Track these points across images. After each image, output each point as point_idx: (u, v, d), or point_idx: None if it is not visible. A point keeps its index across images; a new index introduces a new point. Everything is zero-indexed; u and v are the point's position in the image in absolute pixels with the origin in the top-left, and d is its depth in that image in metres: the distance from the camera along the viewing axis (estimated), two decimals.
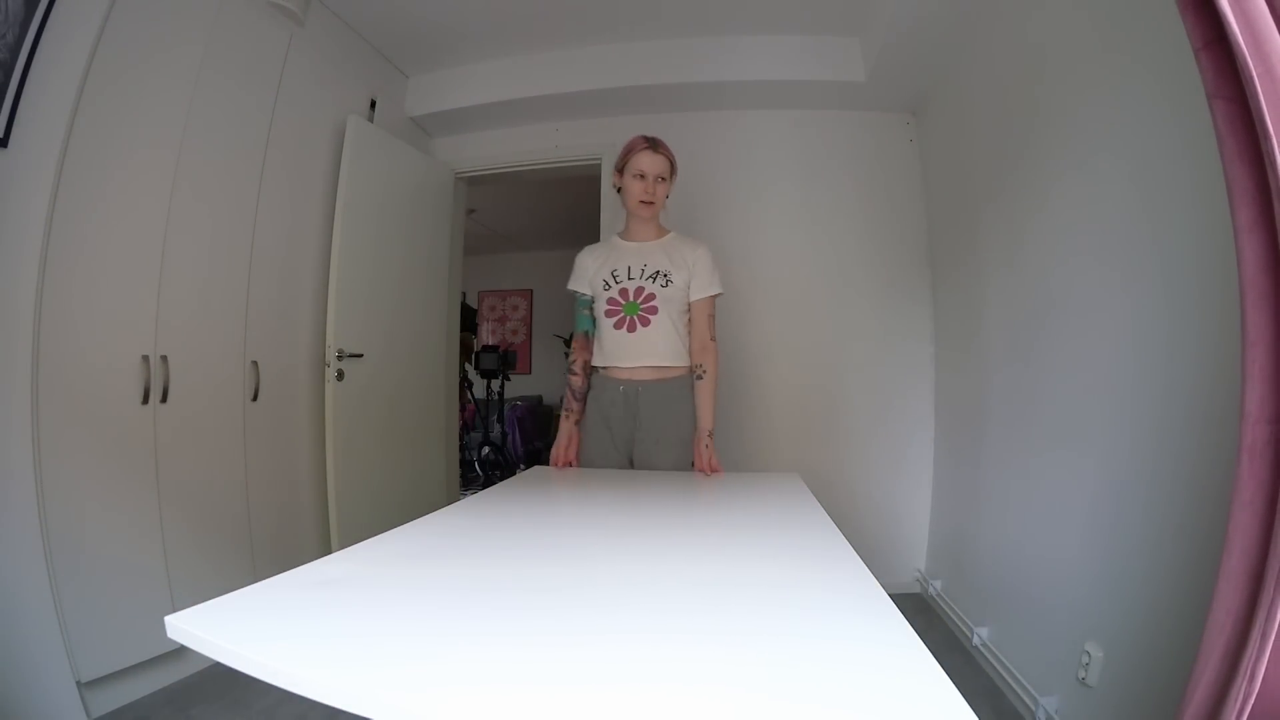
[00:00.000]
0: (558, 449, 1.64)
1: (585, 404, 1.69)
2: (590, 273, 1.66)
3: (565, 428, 1.67)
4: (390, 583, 0.69)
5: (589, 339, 1.69)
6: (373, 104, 2.53)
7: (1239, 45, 0.64)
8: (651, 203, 1.60)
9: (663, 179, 1.60)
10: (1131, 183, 1.31)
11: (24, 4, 1.35)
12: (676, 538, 0.96)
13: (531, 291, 6.30)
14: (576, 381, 1.70)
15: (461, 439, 3.94)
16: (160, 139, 1.66)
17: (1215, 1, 0.66)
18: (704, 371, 1.59)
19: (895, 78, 2.36)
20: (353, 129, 2.32)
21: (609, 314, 1.61)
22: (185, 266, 1.72)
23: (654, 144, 1.59)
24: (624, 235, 1.69)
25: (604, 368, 1.64)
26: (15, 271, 1.35)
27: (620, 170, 1.63)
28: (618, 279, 1.61)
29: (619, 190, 1.66)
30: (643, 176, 1.59)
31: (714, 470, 1.51)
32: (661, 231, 1.69)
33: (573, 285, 1.69)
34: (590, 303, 1.67)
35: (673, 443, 1.59)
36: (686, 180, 2.67)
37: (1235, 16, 0.65)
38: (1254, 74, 0.63)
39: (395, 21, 2.38)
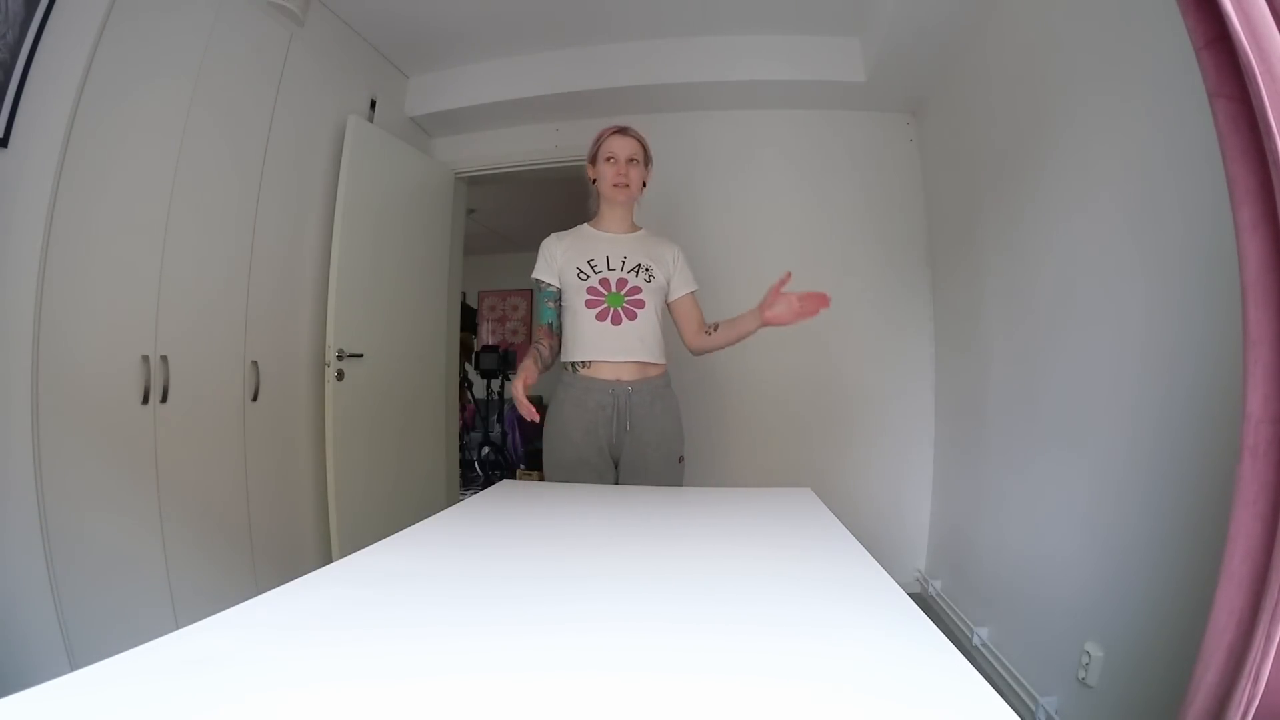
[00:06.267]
0: (520, 381, 1.41)
1: (555, 377, 1.59)
2: (559, 262, 1.56)
3: (528, 364, 1.47)
4: (283, 664, 0.49)
5: (553, 332, 1.59)
6: (373, 104, 2.53)
7: (1241, 44, 0.64)
8: (626, 185, 1.54)
9: (634, 161, 1.54)
10: (1132, 181, 1.30)
11: (24, 4, 1.35)
12: (684, 548, 0.96)
13: (531, 291, 6.28)
14: (544, 348, 1.55)
15: (461, 439, 3.94)
16: (160, 139, 1.65)
17: (1216, 0, 0.65)
18: (714, 328, 1.57)
19: (895, 78, 2.36)
20: (353, 129, 2.31)
21: (590, 304, 1.51)
22: (185, 266, 1.72)
23: (623, 129, 1.56)
24: (596, 225, 1.62)
25: (583, 364, 1.53)
26: (15, 271, 1.35)
27: (593, 161, 1.59)
28: (595, 269, 1.53)
29: (594, 182, 1.61)
30: (613, 159, 1.54)
31: (804, 302, 1.39)
32: (635, 226, 1.64)
33: (539, 274, 1.58)
34: (557, 295, 1.58)
35: (661, 441, 1.54)
36: (686, 181, 2.69)
37: (1236, 15, 0.65)
38: (1256, 72, 0.63)
39: (395, 21, 2.38)
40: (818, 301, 1.41)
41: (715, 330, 1.58)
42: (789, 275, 1.43)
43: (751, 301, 2.60)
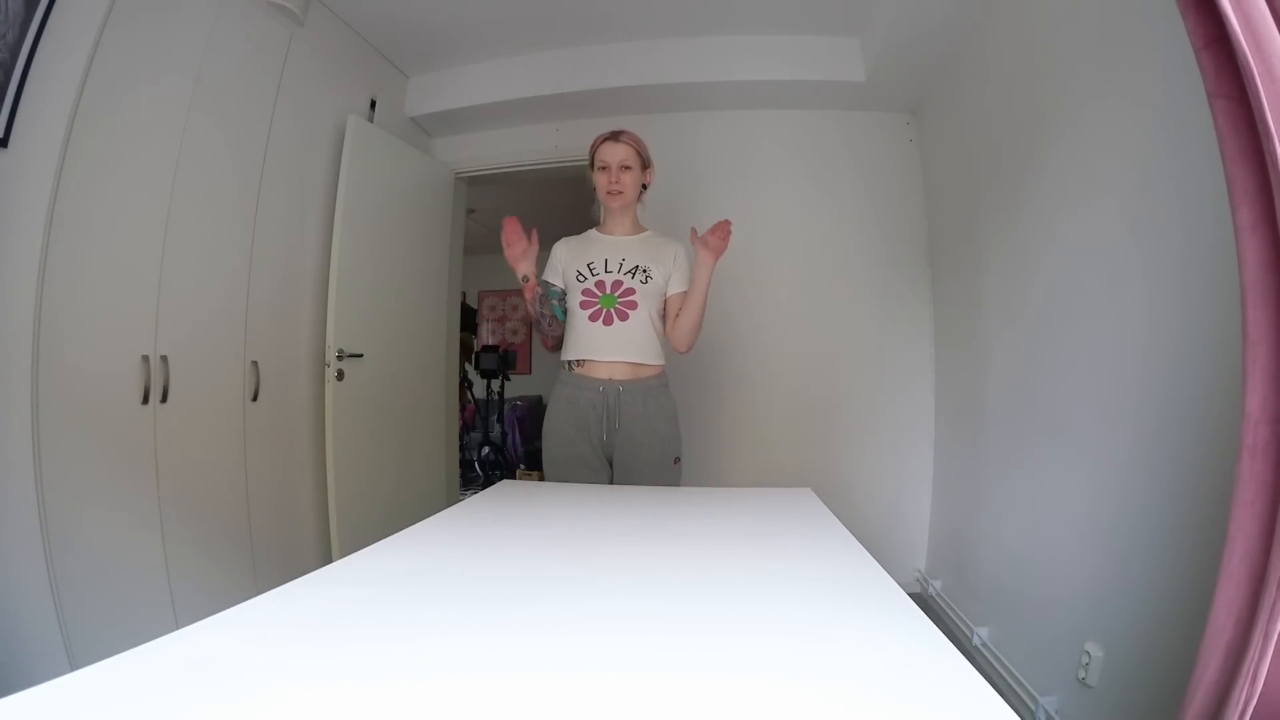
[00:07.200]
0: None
1: (554, 376, 1.65)
2: (563, 264, 1.64)
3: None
4: (283, 664, 0.49)
5: (558, 320, 1.67)
6: (373, 104, 2.53)
7: (1240, 44, 0.64)
8: (619, 193, 1.59)
9: (627, 167, 1.58)
10: (1131, 181, 1.30)
11: (24, 4, 1.35)
12: (684, 548, 0.96)
13: None
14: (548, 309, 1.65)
15: (461, 439, 3.94)
16: (160, 139, 1.65)
17: (1216, 1, 0.65)
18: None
19: (895, 78, 2.36)
20: (353, 129, 2.31)
21: (584, 305, 1.58)
22: (185, 266, 1.72)
23: (615, 135, 1.60)
24: (601, 229, 1.68)
25: (577, 363, 1.59)
26: (15, 271, 1.35)
27: (592, 168, 1.64)
28: (594, 271, 1.59)
29: (595, 189, 1.66)
30: (606, 168, 1.59)
31: (715, 233, 1.47)
32: (639, 228, 1.69)
33: (545, 276, 1.66)
34: (561, 295, 1.65)
35: (654, 441, 1.57)
36: (687, 180, 2.68)
37: (1236, 16, 0.65)
38: (1255, 73, 0.63)
39: (395, 21, 2.38)
40: (725, 224, 1.50)
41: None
42: (695, 229, 1.54)
43: (753, 300, 2.62)
